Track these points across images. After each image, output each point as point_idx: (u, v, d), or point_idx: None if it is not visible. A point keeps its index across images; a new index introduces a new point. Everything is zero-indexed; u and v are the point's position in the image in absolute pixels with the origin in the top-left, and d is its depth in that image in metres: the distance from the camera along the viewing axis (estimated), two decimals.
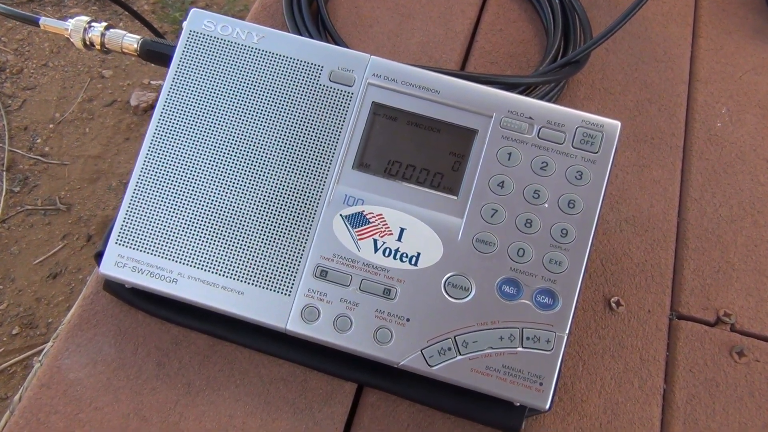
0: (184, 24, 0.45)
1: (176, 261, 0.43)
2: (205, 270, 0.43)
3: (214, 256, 0.43)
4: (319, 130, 0.44)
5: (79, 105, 1.63)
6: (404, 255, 0.42)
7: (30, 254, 1.42)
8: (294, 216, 0.43)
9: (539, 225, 0.42)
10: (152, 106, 1.62)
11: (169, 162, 0.43)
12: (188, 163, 0.43)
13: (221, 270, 0.42)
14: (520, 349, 0.41)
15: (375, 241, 0.42)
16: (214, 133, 0.44)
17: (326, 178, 0.43)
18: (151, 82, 1.67)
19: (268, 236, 0.43)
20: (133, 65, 1.69)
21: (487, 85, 0.44)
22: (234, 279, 0.42)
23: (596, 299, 0.50)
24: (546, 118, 0.43)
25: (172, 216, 0.43)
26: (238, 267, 0.42)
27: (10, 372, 1.28)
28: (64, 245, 1.43)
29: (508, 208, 0.43)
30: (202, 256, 0.43)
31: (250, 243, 0.43)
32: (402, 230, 0.43)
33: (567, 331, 0.41)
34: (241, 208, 0.43)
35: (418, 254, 0.42)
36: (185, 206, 0.43)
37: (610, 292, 0.51)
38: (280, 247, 0.43)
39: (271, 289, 0.42)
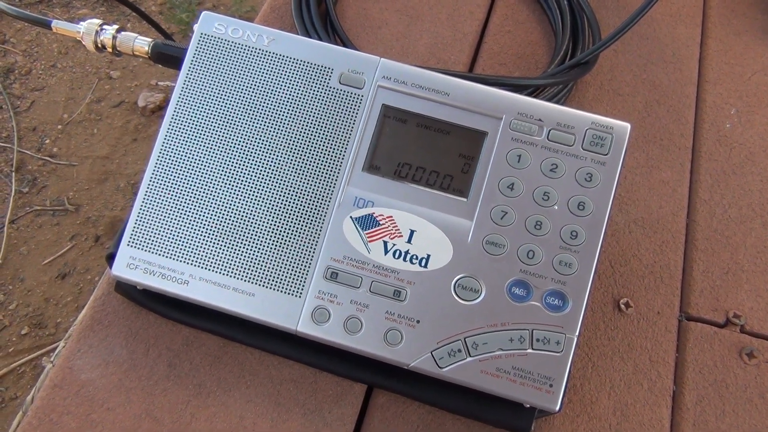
0: (195, 27, 0.45)
1: (187, 263, 0.43)
2: (216, 272, 0.43)
3: (225, 258, 0.43)
4: (330, 132, 0.44)
5: (87, 106, 1.63)
6: (414, 257, 0.42)
7: (39, 255, 1.43)
8: (304, 218, 0.43)
9: (549, 227, 0.42)
10: (160, 107, 1.63)
11: (181, 164, 0.44)
12: (199, 166, 0.44)
13: (232, 272, 0.43)
14: (529, 350, 0.41)
15: (385, 243, 0.43)
16: (225, 135, 0.44)
17: (336, 180, 0.43)
18: (159, 83, 1.68)
19: (278, 238, 0.43)
20: (140, 66, 1.70)
21: (496, 87, 0.44)
22: (245, 281, 0.43)
23: (605, 301, 0.51)
24: (556, 120, 0.43)
25: (183, 218, 0.43)
26: (248, 269, 0.43)
27: (19, 372, 1.29)
28: (72, 246, 1.44)
29: (517, 210, 0.43)
30: (213, 258, 0.43)
31: (260, 245, 0.43)
32: (412, 232, 0.43)
33: (577, 333, 0.41)
34: (251, 210, 0.43)
35: (428, 256, 0.42)
36: (196, 208, 0.43)
37: (619, 293, 0.51)
38: (290, 249, 0.43)
39: (281, 291, 0.43)
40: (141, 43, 0.49)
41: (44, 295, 1.38)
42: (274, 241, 0.43)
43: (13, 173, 1.52)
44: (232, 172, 0.43)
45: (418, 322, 0.42)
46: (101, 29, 0.49)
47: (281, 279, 0.43)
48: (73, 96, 1.65)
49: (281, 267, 0.43)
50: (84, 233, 1.46)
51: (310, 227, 0.43)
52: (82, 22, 0.49)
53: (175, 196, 0.43)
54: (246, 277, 0.43)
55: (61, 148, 1.57)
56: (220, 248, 0.43)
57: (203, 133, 0.44)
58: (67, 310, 1.36)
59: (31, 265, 1.41)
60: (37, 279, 1.40)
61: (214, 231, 0.43)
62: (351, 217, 0.43)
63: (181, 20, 1.80)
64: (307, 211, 0.43)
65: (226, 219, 0.43)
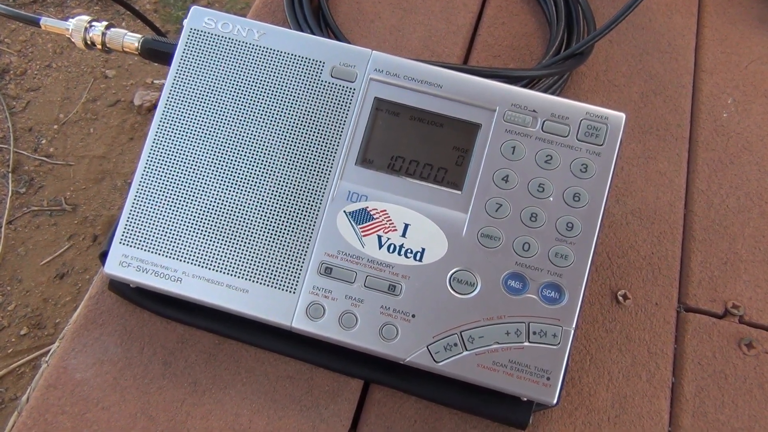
0: (185, 22, 0.45)
1: (180, 260, 0.43)
2: (209, 268, 0.42)
3: (218, 255, 0.42)
4: (322, 126, 0.43)
5: (83, 105, 1.63)
6: (409, 251, 0.42)
7: (37, 255, 1.42)
8: (298, 213, 0.43)
9: (544, 219, 0.42)
10: (155, 106, 1.62)
11: (172, 160, 0.43)
12: (191, 162, 0.43)
13: (226, 268, 0.42)
14: (526, 343, 0.41)
15: (379, 237, 0.42)
16: (216, 130, 0.43)
17: (329, 174, 0.43)
18: (154, 81, 1.67)
19: (272, 234, 0.43)
20: (136, 65, 1.69)
21: (490, 79, 0.44)
22: (238, 277, 0.42)
23: (603, 293, 0.50)
24: (550, 111, 0.43)
25: (175, 215, 0.43)
26: (242, 265, 0.42)
27: (18, 372, 1.29)
28: (70, 245, 1.44)
29: (512, 202, 0.42)
30: (206, 255, 0.42)
31: (254, 241, 0.42)
32: (406, 226, 0.42)
33: (574, 325, 0.41)
34: (244, 206, 0.43)
35: (423, 250, 0.42)
36: (189, 205, 0.43)
37: (616, 285, 0.51)
38: (284, 245, 0.42)
39: (275, 287, 0.42)
40: (130, 39, 0.48)
41: (43, 295, 1.38)
42: (267, 236, 0.42)
43: (10, 174, 1.52)
44: (223, 167, 0.43)
45: (413, 316, 0.41)
46: (90, 26, 0.48)
47: (275, 275, 0.42)
48: (69, 96, 1.64)
49: (275, 263, 0.42)
50: (82, 233, 1.45)
51: (303, 222, 0.43)
52: (71, 19, 0.49)
53: (167, 193, 0.43)
54: (239, 273, 0.42)
55: (57, 148, 1.56)
56: (213, 245, 0.43)
57: (194, 129, 0.43)
58: (65, 310, 1.36)
59: (29, 265, 1.41)
60: (35, 279, 1.39)
61: (206, 227, 0.43)
62: (344, 211, 0.43)
63: (176, 18, 1.79)
64: (300, 206, 0.43)
65: (218, 215, 0.43)
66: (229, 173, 0.43)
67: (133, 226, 0.43)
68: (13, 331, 1.33)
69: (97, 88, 1.66)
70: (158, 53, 0.48)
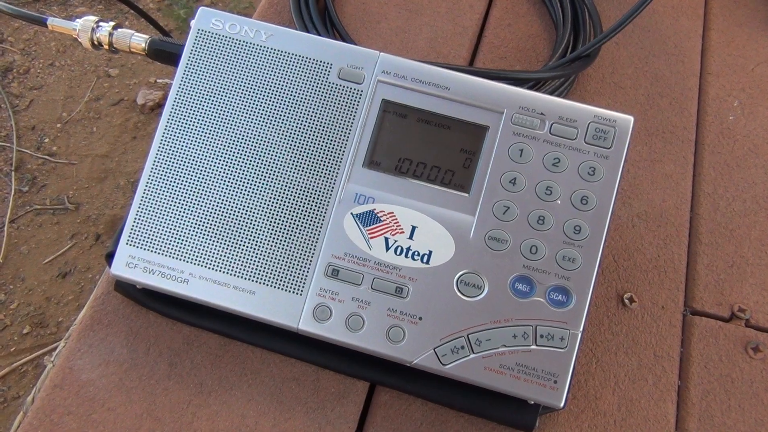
0: (192, 23, 0.45)
1: (187, 261, 0.43)
2: (216, 270, 0.42)
3: (225, 256, 0.42)
4: (329, 128, 0.43)
5: (86, 104, 1.63)
6: (416, 253, 0.42)
7: (39, 254, 1.42)
8: (305, 215, 0.43)
9: (552, 222, 0.42)
10: (159, 105, 1.62)
11: (179, 162, 0.43)
12: (198, 163, 0.43)
13: (232, 270, 0.42)
14: (533, 346, 0.41)
15: (386, 239, 0.42)
16: (223, 132, 0.43)
17: (337, 176, 0.43)
18: (158, 80, 1.67)
19: (279, 235, 0.42)
20: (139, 64, 1.69)
21: (497, 81, 0.44)
22: (245, 279, 0.42)
23: (609, 296, 0.50)
24: (558, 114, 0.43)
25: (182, 216, 0.43)
26: (249, 267, 0.42)
27: (21, 371, 1.29)
28: (73, 244, 1.44)
29: (520, 205, 0.42)
30: (213, 256, 0.42)
31: (261, 242, 0.42)
32: (413, 228, 0.42)
33: (581, 329, 0.41)
34: (251, 208, 0.43)
35: (430, 252, 0.42)
36: (195, 206, 0.43)
37: (623, 288, 0.50)
38: (291, 247, 0.42)
39: (282, 289, 0.42)
40: (137, 40, 0.48)
41: (45, 294, 1.38)
42: (274, 238, 0.42)
43: (13, 172, 1.52)
44: (231, 169, 0.43)
45: (420, 318, 0.41)
46: (97, 26, 0.48)
47: (282, 277, 0.42)
48: (72, 94, 1.64)
49: (282, 264, 0.42)
50: (84, 232, 1.45)
51: (310, 224, 0.43)
52: (78, 20, 0.49)
53: (174, 194, 0.43)
54: (246, 275, 0.42)
55: (60, 147, 1.56)
56: (219, 246, 0.42)
57: (201, 130, 0.43)
58: (68, 309, 1.36)
59: (32, 264, 1.41)
60: (37, 278, 1.39)
61: (213, 229, 0.43)
62: (352, 213, 0.43)
63: (179, 17, 1.79)
64: (307, 207, 0.43)
65: (225, 217, 0.43)
66: (236, 174, 0.43)
67: (140, 227, 0.43)
68: (15, 330, 1.33)
69: (100, 87, 1.66)
70: (165, 54, 0.48)
